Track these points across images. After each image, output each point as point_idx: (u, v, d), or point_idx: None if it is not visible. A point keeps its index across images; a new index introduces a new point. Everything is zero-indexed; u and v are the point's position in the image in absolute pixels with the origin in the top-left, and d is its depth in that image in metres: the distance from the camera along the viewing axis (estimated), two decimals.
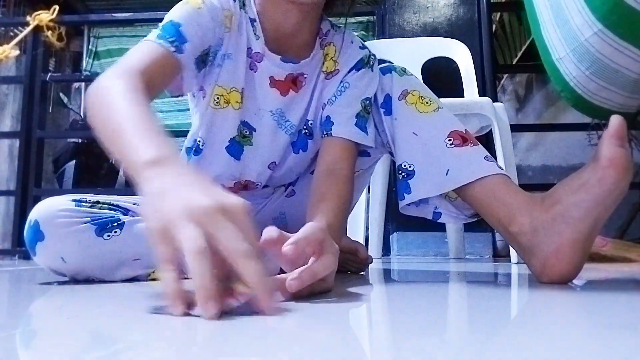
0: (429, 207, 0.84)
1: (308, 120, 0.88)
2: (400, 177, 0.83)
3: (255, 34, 0.84)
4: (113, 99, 0.60)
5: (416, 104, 0.82)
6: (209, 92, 0.84)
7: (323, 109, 0.87)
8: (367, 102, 0.86)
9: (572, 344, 0.33)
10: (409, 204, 0.83)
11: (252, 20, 0.84)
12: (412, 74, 0.88)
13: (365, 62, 0.87)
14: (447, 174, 0.77)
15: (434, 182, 0.79)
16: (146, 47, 0.73)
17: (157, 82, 0.71)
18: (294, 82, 0.86)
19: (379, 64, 0.89)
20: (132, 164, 0.52)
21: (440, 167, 0.78)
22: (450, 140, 0.78)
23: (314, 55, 0.86)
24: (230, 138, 0.86)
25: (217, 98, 0.84)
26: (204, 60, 0.81)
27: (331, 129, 0.83)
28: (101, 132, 0.60)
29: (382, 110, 0.84)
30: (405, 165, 0.82)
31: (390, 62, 0.88)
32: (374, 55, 0.90)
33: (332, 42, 0.88)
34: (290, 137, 0.88)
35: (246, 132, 0.86)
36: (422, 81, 0.87)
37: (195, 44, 0.76)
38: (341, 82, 0.86)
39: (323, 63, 0.87)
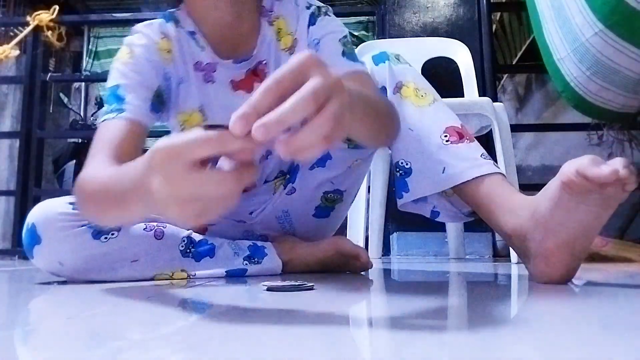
0: (427, 206, 0.83)
1: None
2: (398, 174, 0.82)
3: (199, 45, 0.85)
4: (92, 178, 0.62)
5: (411, 98, 0.80)
6: (175, 125, 0.87)
7: None
8: (345, 39, 0.85)
9: (572, 344, 0.33)
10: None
11: (192, 33, 0.85)
12: (406, 62, 0.86)
13: (317, 14, 0.87)
14: (443, 172, 0.76)
15: (431, 180, 0.78)
16: (101, 129, 0.75)
17: (129, 149, 0.72)
18: (255, 74, 0.87)
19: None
20: (133, 191, 0.49)
21: (436, 164, 0.77)
22: (446, 136, 0.77)
23: (263, 37, 0.86)
24: None
25: (182, 124, 0.87)
26: (160, 101, 0.83)
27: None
28: (96, 207, 0.60)
29: None
30: (402, 163, 0.81)
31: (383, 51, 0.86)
32: (320, 5, 0.89)
33: (279, 15, 0.88)
34: None
35: None
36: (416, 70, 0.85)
37: (138, 93, 0.78)
38: (308, 45, 0.85)
39: (279, 41, 0.87)
